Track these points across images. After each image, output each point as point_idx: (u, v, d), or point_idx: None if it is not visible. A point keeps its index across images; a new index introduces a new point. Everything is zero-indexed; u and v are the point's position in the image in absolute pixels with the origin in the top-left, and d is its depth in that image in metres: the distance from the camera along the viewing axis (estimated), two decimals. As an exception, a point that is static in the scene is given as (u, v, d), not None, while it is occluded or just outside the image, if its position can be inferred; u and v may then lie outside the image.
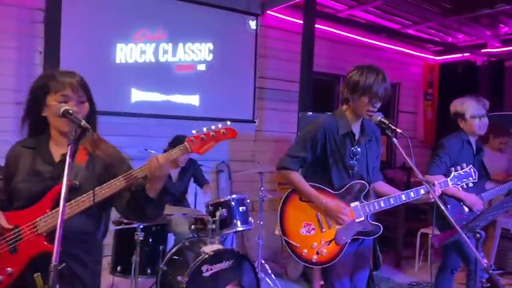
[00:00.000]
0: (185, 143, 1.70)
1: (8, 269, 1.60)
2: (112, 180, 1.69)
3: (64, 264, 1.36)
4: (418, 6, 5.70)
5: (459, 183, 2.48)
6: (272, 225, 4.63)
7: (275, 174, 5.26)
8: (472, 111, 3.06)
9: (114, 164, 1.79)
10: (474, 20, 6.14)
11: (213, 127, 1.74)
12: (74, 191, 1.64)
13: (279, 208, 2.40)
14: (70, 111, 1.64)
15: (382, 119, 2.30)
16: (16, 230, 1.64)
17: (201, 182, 4.51)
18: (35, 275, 1.45)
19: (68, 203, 1.61)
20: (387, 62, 6.90)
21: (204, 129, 1.72)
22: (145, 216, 1.78)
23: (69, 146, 1.54)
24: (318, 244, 2.34)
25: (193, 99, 5.26)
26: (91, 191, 1.64)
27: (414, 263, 5.22)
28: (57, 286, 1.32)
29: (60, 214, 1.40)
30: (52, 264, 1.32)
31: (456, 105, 3.17)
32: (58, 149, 1.77)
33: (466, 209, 3.07)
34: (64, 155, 1.70)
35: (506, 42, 6.73)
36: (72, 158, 1.59)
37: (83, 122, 1.60)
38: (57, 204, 1.57)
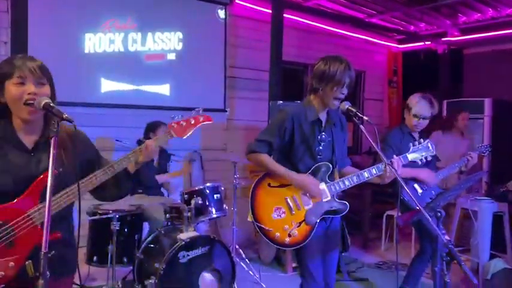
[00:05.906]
0: (168, 129, 1.95)
1: (10, 263, 1.57)
2: (97, 172, 1.74)
3: (54, 251, 1.40)
4: (382, -4, 5.90)
5: (417, 155, 2.59)
6: (245, 212, 4.73)
7: (248, 162, 5.35)
8: (417, 110, 3.25)
9: (86, 150, 1.88)
10: (435, 9, 6.40)
11: (192, 113, 2.01)
12: (59, 179, 1.63)
13: (250, 196, 2.49)
14: (51, 104, 1.63)
15: (350, 107, 2.42)
16: (7, 225, 1.59)
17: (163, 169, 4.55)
18: (26, 263, 1.48)
19: (64, 192, 1.66)
20: (353, 51, 7.08)
21: (180, 116, 2.00)
22: (121, 192, 1.94)
23: (53, 138, 1.56)
24: (289, 226, 2.45)
25: (164, 89, 5.25)
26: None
27: (381, 244, 5.47)
28: (48, 273, 1.36)
29: (47, 204, 1.43)
30: (42, 252, 1.35)
31: (411, 98, 3.34)
32: (25, 136, 1.71)
33: (419, 190, 3.26)
34: (36, 142, 1.71)
35: (464, 31, 7.04)
36: (45, 146, 1.68)
37: (65, 115, 1.62)
38: (45, 194, 1.57)
